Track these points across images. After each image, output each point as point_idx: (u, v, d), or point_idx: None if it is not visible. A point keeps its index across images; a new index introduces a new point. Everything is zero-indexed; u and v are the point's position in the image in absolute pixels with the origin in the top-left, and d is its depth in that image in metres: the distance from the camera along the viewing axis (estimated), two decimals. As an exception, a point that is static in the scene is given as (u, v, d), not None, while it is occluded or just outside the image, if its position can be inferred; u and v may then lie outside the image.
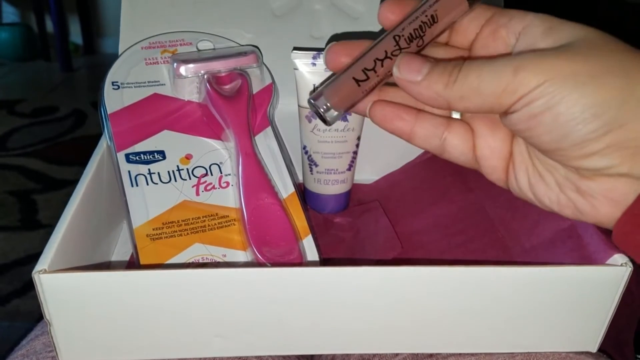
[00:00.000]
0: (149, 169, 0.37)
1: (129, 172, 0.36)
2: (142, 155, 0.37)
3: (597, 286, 0.29)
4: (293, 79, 0.42)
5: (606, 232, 0.27)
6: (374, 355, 0.33)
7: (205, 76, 0.40)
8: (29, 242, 1.27)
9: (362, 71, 0.28)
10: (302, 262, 0.34)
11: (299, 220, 0.36)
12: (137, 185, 0.36)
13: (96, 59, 2.52)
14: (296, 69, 0.41)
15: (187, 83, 0.40)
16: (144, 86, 0.40)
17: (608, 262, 0.30)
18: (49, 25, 2.38)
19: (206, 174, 0.37)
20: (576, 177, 0.25)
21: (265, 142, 0.39)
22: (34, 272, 0.27)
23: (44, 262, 0.28)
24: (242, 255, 0.35)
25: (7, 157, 1.64)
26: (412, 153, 0.47)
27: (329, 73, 0.40)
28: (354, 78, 0.28)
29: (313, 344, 0.31)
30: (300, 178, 0.46)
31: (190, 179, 0.37)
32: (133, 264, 0.35)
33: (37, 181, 1.51)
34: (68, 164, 1.60)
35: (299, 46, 0.42)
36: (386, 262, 0.39)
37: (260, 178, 0.37)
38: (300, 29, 0.45)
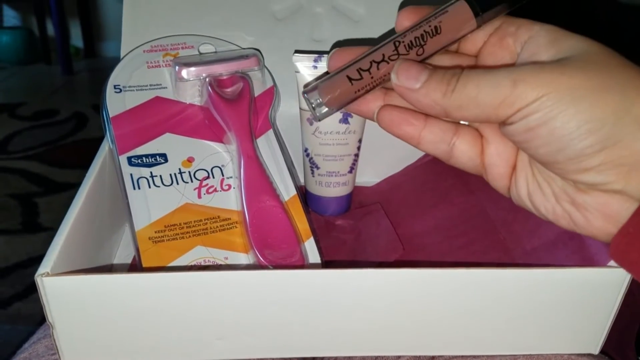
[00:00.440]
0: (151, 172, 0.37)
1: (131, 175, 0.36)
2: (144, 158, 0.37)
3: (599, 288, 0.29)
4: (294, 81, 0.42)
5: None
6: (376, 357, 0.33)
7: (207, 79, 0.40)
8: (30, 245, 1.27)
9: (357, 71, 0.28)
10: (303, 265, 0.34)
11: (301, 222, 0.36)
12: (139, 188, 0.36)
13: (97, 62, 2.53)
14: (297, 71, 0.41)
15: (189, 86, 0.40)
16: (145, 89, 0.40)
17: (610, 264, 0.30)
18: (50, 29, 2.39)
19: (208, 177, 0.38)
20: (572, 189, 0.25)
21: (266, 145, 0.39)
22: (36, 275, 0.27)
23: (46, 265, 0.28)
24: (244, 258, 0.35)
25: (9, 160, 1.65)
26: (413, 155, 0.47)
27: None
28: (347, 76, 0.28)
29: (315, 346, 0.31)
30: (302, 180, 0.46)
31: (192, 181, 0.37)
32: (135, 266, 0.35)
33: (39, 184, 1.52)
34: (69, 167, 1.60)
35: (300, 49, 0.42)
36: (388, 265, 0.39)
37: (262, 181, 0.37)
38: (302, 32, 0.45)
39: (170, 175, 0.37)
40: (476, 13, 0.27)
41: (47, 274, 0.27)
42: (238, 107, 0.39)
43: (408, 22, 0.28)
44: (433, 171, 0.45)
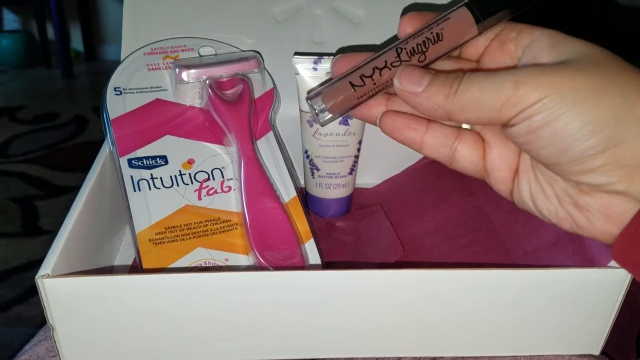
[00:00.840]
0: (151, 174, 0.37)
1: (131, 177, 0.36)
2: (144, 160, 0.37)
3: (600, 288, 0.29)
4: (294, 83, 0.42)
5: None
6: (377, 359, 0.33)
7: (207, 81, 0.40)
8: (30, 248, 1.27)
9: (360, 77, 0.28)
10: (304, 266, 0.34)
11: (301, 224, 0.36)
12: (139, 190, 0.36)
13: (97, 65, 2.54)
14: (297, 73, 0.41)
15: (189, 88, 0.40)
16: (146, 92, 0.41)
17: (610, 264, 0.30)
18: (50, 32, 2.39)
19: (208, 179, 0.38)
20: (575, 191, 0.25)
21: (267, 147, 0.40)
22: (37, 276, 0.27)
23: (47, 266, 0.28)
24: (244, 260, 0.35)
25: (9, 163, 1.65)
26: (413, 157, 0.47)
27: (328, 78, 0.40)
28: (350, 82, 0.28)
29: (316, 347, 0.31)
30: (302, 182, 0.46)
31: (192, 183, 0.37)
32: (136, 268, 0.35)
33: (39, 188, 1.52)
34: (69, 170, 1.60)
35: (300, 51, 0.42)
36: (388, 266, 0.39)
37: (262, 182, 0.37)
38: (301, 34, 0.45)
39: (171, 177, 0.37)
40: (477, 20, 0.27)
41: (48, 276, 0.27)
42: (238, 109, 0.39)
43: (410, 28, 0.28)
44: (433, 172, 0.45)
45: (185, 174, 0.37)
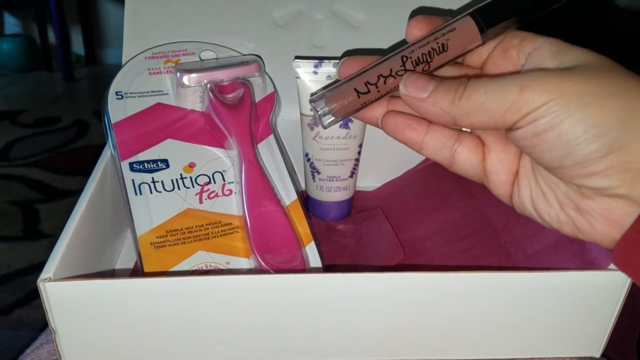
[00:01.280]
0: (152, 178, 0.37)
1: (132, 180, 0.37)
2: (145, 164, 0.37)
3: (600, 291, 0.29)
4: (295, 87, 0.42)
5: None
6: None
7: (208, 85, 0.40)
8: (31, 252, 1.27)
9: (365, 84, 0.28)
10: (305, 269, 0.34)
11: (302, 227, 0.37)
12: (140, 193, 0.36)
13: (98, 69, 2.54)
14: (298, 77, 0.41)
15: (190, 92, 0.40)
16: (147, 96, 0.41)
17: (610, 267, 0.30)
18: (51, 36, 2.40)
19: (209, 182, 0.38)
20: (576, 195, 0.25)
21: (267, 150, 0.40)
22: (38, 280, 0.27)
23: (48, 270, 0.28)
24: (245, 263, 0.35)
25: (10, 167, 1.65)
26: (413, 160, 0.47)
27: (330, 82, 0.40)
28: (355, 89, 0.28)
29: (316, 350, 0.31)
30: (303, 185, 0.46)
31: (193, 187, 0.37)
32: (137, 272, 0.35)
33: (40, 191, 1.52)
34: (70, 174, 1.60)
35: (300, 55, 0.42)
36: (389, 269, 0.39)
37: (263, 186, 0.37)
38: (302, 38, 0.45)
39: (172, 180, 0.37)
40: (482, 30, 0.27)
41: (50, 279, 0.27)
42: (239, 113, 0.39)
43: (418, 31, 0.29)
44: (434, 175, 0.46)
45: (186, 178, 0.37)
